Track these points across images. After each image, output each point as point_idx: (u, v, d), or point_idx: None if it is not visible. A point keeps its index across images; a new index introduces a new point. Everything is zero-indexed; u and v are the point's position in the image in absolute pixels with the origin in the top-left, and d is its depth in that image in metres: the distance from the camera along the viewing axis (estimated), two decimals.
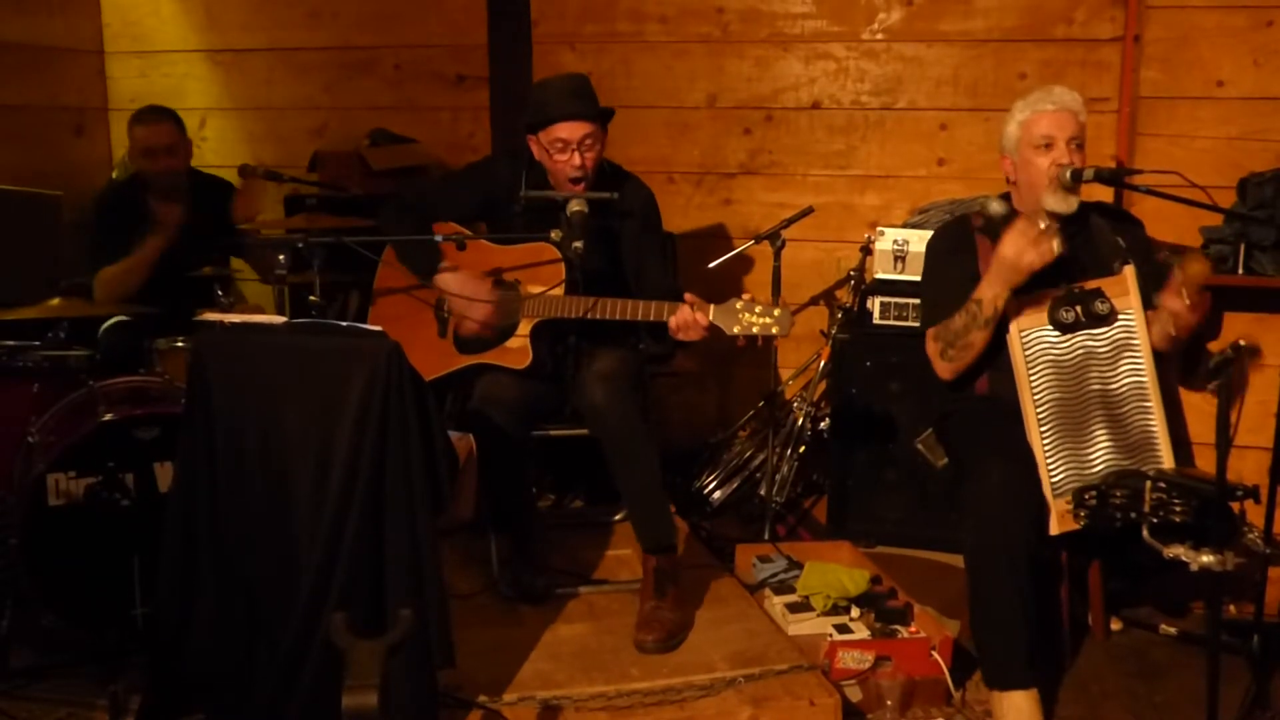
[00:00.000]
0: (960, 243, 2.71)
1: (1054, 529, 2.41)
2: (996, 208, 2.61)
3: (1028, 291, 2.52)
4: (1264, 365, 3.20)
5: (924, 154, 3.86)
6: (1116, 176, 2.70)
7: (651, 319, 2.60)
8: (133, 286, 3.36)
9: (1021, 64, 3.71)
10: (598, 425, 2.70)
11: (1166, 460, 2.48)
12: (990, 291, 2.48)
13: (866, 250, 3.56)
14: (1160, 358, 2.57)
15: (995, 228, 2.55)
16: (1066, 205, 2.56)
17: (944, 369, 2.63)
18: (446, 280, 2.83)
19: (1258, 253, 3.17)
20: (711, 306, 2.50)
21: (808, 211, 3.42)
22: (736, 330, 2.47)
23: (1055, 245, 2.40)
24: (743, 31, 3.95)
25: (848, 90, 3.90)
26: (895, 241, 3.43)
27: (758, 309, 2.46)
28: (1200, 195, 2.56)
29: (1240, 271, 3.18)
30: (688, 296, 2.52)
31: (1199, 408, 3.10)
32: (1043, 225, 2.39)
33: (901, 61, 3.84)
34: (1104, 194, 3.20)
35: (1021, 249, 2.39)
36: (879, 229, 3.47)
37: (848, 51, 3.88)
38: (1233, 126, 3.43)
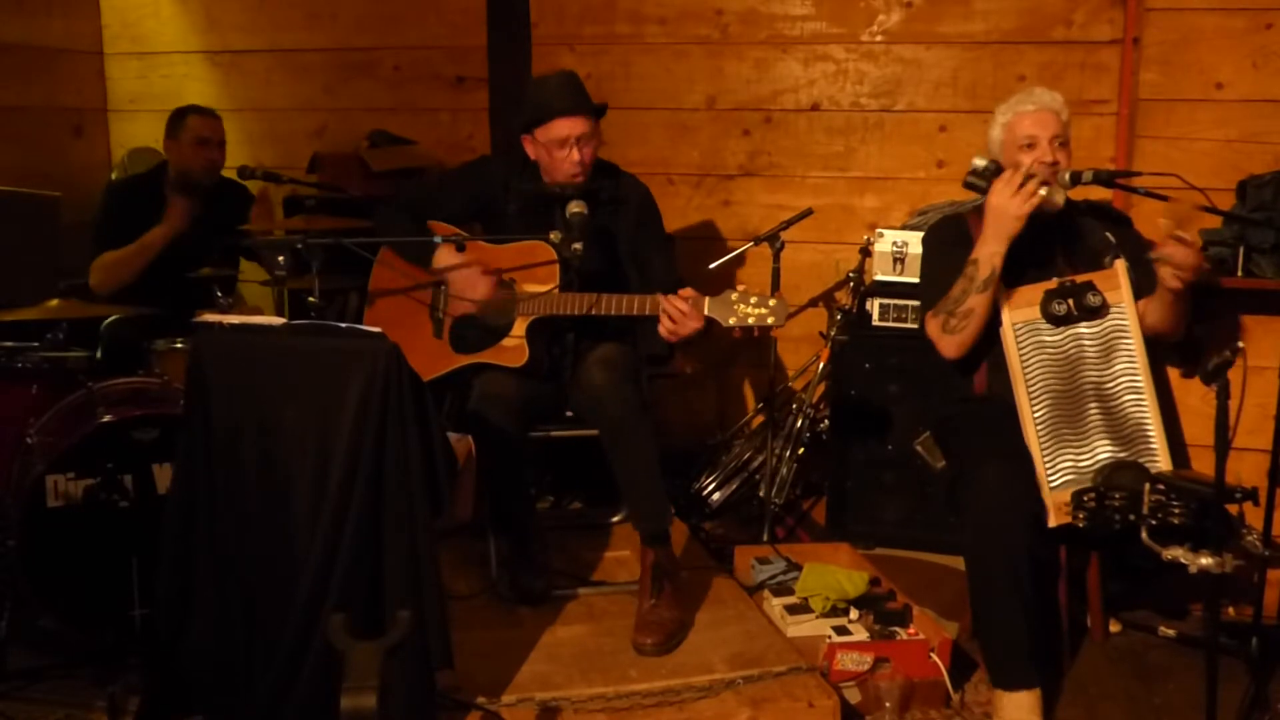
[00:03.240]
0: (956, 236, 2.73)
1: (1051, 521, 2.42)
2: (981, 161, 2.64)
3: (1018, 285, 2.54)
4: (1263, 368, 3.20)
5: (923, 156, 3.86)
6: (1115, 178, 2.71)
7: (647, 313, 2.60)
8: (129, 275, 3.35)
9: (1020, 66, 3.72)
10: (596, 408, 2.70)
11: (1161, 451, 2.50)
12: (986, 250, 2.50)
13: (865, 252, 3.56)
14: (1155, 354, 2.58)
15: (982, 182, 2.57)
16: (1052, 199, 2.57)
17: (948, 345, 2.63)
18: (444, 258, 2.83)
19: (1257, 255, 3.16)
20: (707, 299, 2.50)
21: (807, 213, 3.42)
22: (732, 321, 2.47)
23: (1042, 189, 2.46)
24: (742, 33, 3.95)
25: (847, 92, 3.90)
26: (894, 243, 3.43)
27: (753, 300, 2.46)
28: (1199, 198, 2.57)
29: (1239, 274, 3.18)
30: (684, 291, 2.52)
31: (1196, 409, 3.10)
32: (1023, 175, 2.45)
33: (900, 63, 3.84)
34: (1103, 196, 3.20)
35: (1009, 195, 2.43)
36: (878, 231, 3.48)
37: (847, 53, 3.89)
38: (1232, 129, 3.43)
